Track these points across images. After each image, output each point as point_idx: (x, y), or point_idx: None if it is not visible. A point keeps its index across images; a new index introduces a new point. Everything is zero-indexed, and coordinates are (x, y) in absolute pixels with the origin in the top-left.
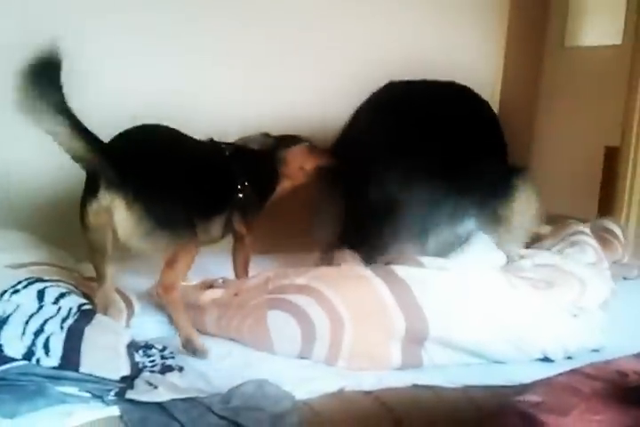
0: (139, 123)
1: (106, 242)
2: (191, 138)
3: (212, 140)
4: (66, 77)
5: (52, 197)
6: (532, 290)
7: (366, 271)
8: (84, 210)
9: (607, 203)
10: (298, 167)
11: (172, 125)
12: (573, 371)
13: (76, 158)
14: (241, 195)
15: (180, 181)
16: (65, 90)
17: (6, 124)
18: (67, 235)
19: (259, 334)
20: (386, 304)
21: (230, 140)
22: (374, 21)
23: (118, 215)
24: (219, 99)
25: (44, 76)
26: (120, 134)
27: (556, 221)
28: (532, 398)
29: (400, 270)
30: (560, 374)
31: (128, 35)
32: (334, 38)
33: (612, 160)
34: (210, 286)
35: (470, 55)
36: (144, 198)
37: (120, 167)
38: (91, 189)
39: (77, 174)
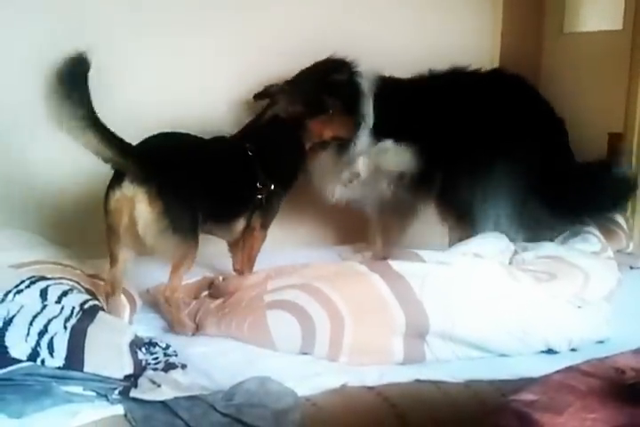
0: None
1: (120, 227)
2: (213, 140)
3: (237, 140)
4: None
5: (58, 197)
6: (534, 282)
7: (363, 267)
8: (107, 194)
9: None
10: (317, 138)
11: None
12: (570, 368)
13: (104, 160)
14: (261, 195)
15: (201, 184)
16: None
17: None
18: (71, 234)
19: (259, 334)
20: (385, 300)
21: None
22: (366, 10)
23: (139, 209)
24: None
25: (72, 84)
26: (146, 139)
27: None
28: (528, 396)
29: (397, 265)
30: (556, 372)
31: None
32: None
33: (616, 146)
34: (210, 283)
35: (465, 43)
36: (165, 197)
37: (146, 166)
38: (117, 177)
39: (83, 175)
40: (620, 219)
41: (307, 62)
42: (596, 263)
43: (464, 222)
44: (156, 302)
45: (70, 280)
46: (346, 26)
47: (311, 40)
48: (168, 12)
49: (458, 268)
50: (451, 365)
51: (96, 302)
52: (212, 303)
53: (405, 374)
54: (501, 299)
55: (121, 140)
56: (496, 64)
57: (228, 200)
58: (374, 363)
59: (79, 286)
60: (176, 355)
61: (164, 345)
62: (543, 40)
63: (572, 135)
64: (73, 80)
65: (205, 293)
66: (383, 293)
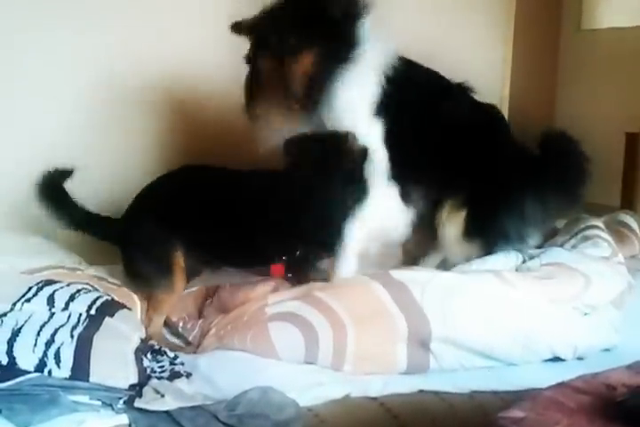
0: None
1: None
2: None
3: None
4: None
5: None
6: (532, 285)
7: (364, 277)
8: None
9: (630, 189)
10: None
11: None
12: (561, 384)
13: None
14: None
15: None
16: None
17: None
18: (81, 239)
19: (262, 346)
20: (385, 306)
21: None
22: None
23: None
24: None
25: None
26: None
27: (589, 211)
28: (516, 413)
29: (397, 274)
30: (548, 388)
31: None
32: None
33: (633, 146)
34: (215, 290)
35: (476, 42)
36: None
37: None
38: None
39: (96, 181)
40: (632, 223)
41: None
42: (599, 267)
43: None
44: None
45: (79, 283)
46: None
47: None
48: None
49: (455, 274)
50: (455, 375)
51: (106, 298)
52: (212, 322)
53: (409, 385)
54: (504, 305)
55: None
56: (509, 65)
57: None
58: (378, 371)
59: (88, 286)
60: (182, 364)
61: (172, 355)
62: (560, 37)
63: (590, 134)
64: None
65: (209, 300)
66: (383, 300)
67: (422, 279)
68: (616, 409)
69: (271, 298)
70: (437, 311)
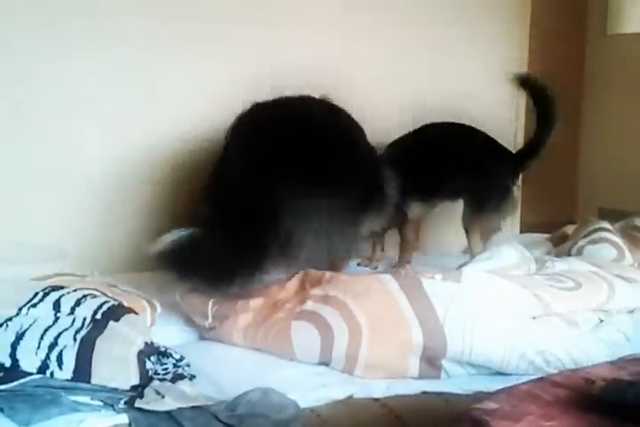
0: None
1: None
2: None
3: None
4: None
5: (81, 209)
6: (557, 295)
7: (394, 284)
8: None
9: None
10: None
11: None
12: (540, 379)
13: None
14: None
15: None
16: None
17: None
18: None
19: (282, 343)
20: (406, 319)
21: None
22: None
23: None
24: None
25: None
26: None
27: (610, 217)
28: (489, 405)
29: (428, 286)
30: (525, 382)
31: None
32: None
33: None
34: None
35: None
36: None
37: None
38: None
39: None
40: None
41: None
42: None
43: None
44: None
45: (86, 289)
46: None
47: None
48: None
49: (483, 291)
50: (461, 378)
51: (113, 303)
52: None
53: (413, 387)
54: (526, 329)
55: None
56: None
57: None
58: (388, 379)
59: (96, 292)
60: (188, 366)
61: (177, 357)
62: (585, 43)
63: (616, 141)
64: None
65: None
66: (405, 313)
67: (449, 295)
68: (591, 401)
69: (301, 296)
70: (458, 332)
